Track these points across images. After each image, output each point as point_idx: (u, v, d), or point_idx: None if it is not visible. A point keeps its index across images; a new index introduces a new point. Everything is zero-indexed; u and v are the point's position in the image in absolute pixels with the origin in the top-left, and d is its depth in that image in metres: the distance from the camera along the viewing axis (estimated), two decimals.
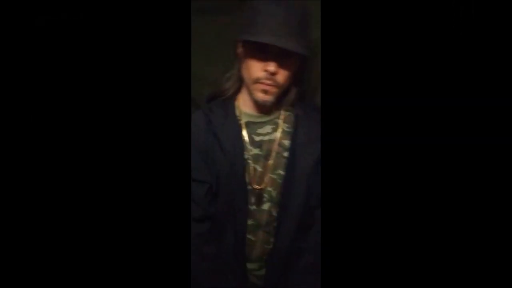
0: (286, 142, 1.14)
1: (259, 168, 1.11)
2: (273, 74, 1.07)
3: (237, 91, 1.17)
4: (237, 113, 1.15)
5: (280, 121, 1.16)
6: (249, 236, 1.11)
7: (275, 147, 1.13)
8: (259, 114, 1.15)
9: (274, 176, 1.11)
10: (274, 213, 1.11)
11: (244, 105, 1.16)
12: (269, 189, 1.11)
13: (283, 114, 1.17)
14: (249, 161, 1.11)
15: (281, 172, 1.11)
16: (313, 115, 1.16)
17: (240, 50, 1.11)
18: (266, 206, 1.11)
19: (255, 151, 1.12)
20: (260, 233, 1.11)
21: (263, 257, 1.12)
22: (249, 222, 1.11)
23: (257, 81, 1.08)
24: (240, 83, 1.16)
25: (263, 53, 1.05)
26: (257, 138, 1.13)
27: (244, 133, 1.14)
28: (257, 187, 1.11)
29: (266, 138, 1.14)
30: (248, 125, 1.14)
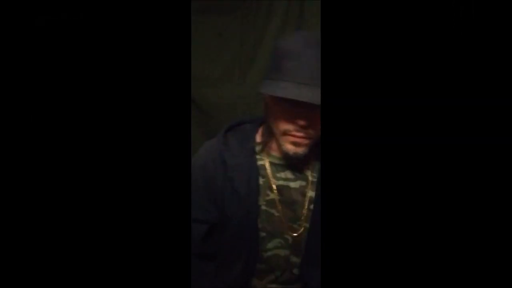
0: (310, 193, 1.02)
1: (276, 213, 1.01)
2: (304, 127, 0.93)
3: (268, 139, 1.03)
4: (257, 149, 1.02)
5: (303, 167, 1.03)
6: (255, 279, 1.04)
7: (299, 198, 1.02)
8: (282, 158, 1.02)
9: (297, 227, 1.02)
10: (293, 259, 1.03)
11: (269, 147, 1.04)
12: (287, 237, 1.01)
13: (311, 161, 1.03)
14: (264, 207, 1.01)
15: (306, 224, 1.01)
16: None
17: (267, 98, 0.98)
18: (283, 253, 1.03)
19: (272, 195, 1.00)
20: (270, 275, 1.04)
21: None
22: (260, 266, 1.03)
23: (286, 133, 0.95)
24: (271, 132, 1.01)
25: (292, 104, 0.89)
26: (275, 183, 1.01)
27: (262, 177, 1.00)
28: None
29: (286, 183, 1.02)
30: (267, 167, 1.02)
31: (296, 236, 1.00)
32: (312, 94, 0.86)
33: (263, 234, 1.01)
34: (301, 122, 0.92)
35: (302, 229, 1.00)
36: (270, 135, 1.01)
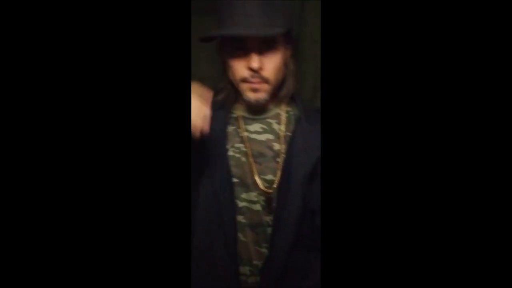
0: (277, 146, 1.07)
1: (243, 159, 1.06)
2: (258, 70, 1.00)
3: (234, 96, 1.10)
4: (232, 108, 1.11)
5: (273, 122, 1.09)
6: (239, 234, 1.05)
7: (264, 149, 1.07)
8: (252, 113, 1.10)
9: (263, 182, 1.06)
10: (267, 219, 1.06)
11: (238, 101, 1.12)
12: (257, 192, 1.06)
13: (283, 115, 1.10)
14: (231, 153, 1.07)
15: (272, 177, 1.05)
16: (314, 121, 1.07)
17: (221, 52, 1.06)
18: (257, 207, 1.06)
19: (239, 144, 1.07)
20: (251, 233, 1.06)
21: (255, 263, 1.05)
22: (239, 219, 1.06)
23: (243, 80, 1.02)
24: (233, 87, 1.08)
25: (242, 49, 0.99)
26: (243, 133, 1.08)
27: (231, 125, 1.08)
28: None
29: (253, 136, 1.08)
30: (238, 119, 1.10)
31: (266, 191, 1.05)
32: (255, 30, 0.95)
33: (234, 179, 1.05)
34: (254, 64, 0.99)
35: (269, 184, 1.05)
36: (232, 88, 1.08)
